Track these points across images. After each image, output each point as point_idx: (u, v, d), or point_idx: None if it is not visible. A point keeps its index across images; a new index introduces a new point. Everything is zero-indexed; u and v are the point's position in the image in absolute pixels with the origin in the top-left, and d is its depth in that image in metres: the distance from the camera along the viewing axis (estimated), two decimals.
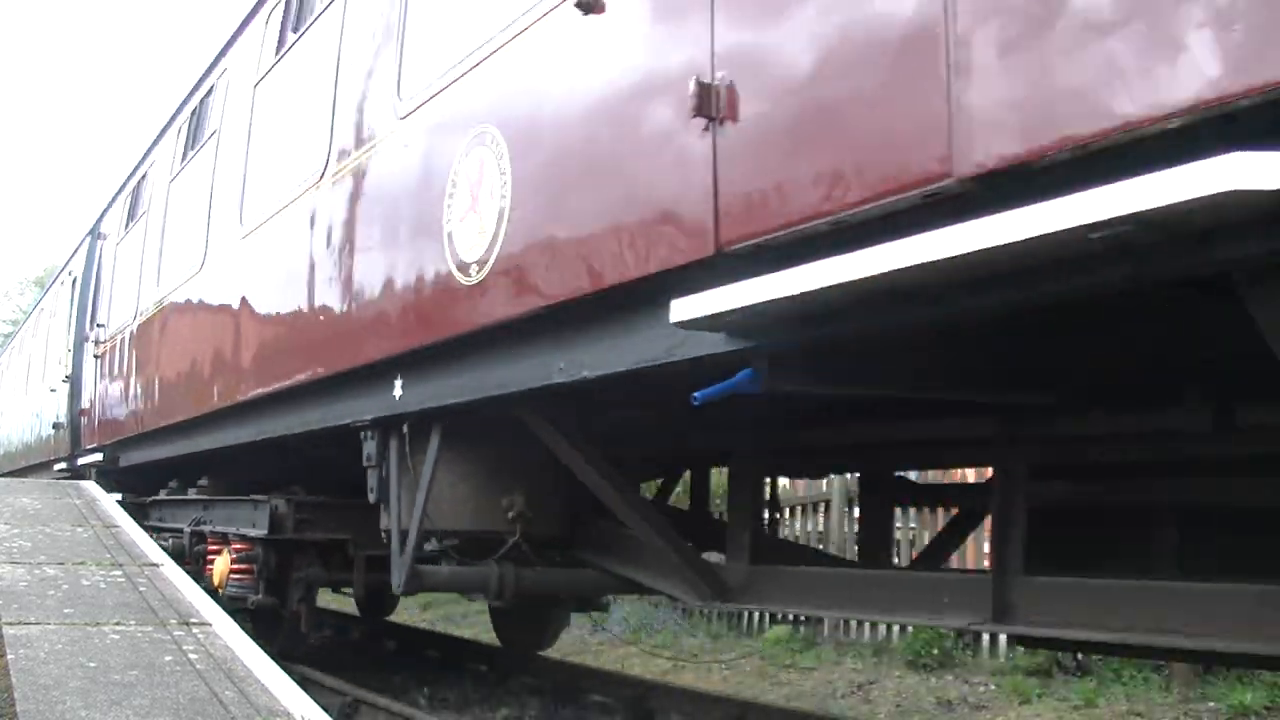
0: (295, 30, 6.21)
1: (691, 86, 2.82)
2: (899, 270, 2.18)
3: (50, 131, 74.48)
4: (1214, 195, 1.68)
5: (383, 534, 4.89)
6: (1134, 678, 7.12)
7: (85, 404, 11.01)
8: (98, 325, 10.61)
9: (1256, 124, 1.75)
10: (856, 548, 6.50)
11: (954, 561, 5.69)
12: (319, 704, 3.59)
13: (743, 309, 2.59)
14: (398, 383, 4.54)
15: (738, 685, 7.89)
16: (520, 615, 7.46)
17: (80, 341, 11.46)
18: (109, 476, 9.69)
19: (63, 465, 11.77)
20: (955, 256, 2.06)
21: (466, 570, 4.86)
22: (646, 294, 3.07)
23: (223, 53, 7.61)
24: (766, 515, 5.22)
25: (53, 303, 14.21)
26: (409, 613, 12.22)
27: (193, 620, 4.53)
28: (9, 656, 3.73)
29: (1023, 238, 1.94)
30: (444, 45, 4.28)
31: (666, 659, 8.92)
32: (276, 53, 6.45)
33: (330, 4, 5.53)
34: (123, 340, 9.37)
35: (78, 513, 7.54)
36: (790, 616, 9.49)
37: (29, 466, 14.11)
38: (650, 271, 3.03)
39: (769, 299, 2.51)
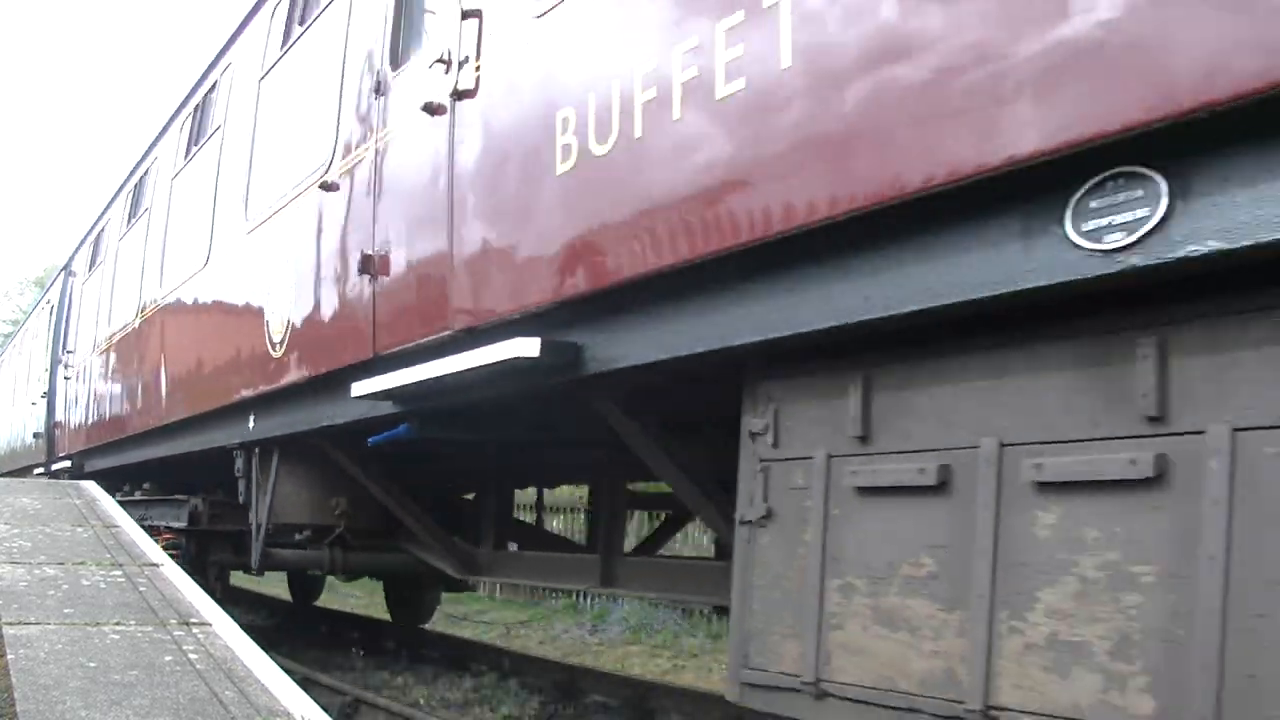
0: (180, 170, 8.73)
1: (354, 258, 4.88)
2: (430, 379, 4.08)
3: (50, 131, 74.53)
4: (512, 358, 3.55)
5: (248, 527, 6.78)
6: None
7: (58, 418, 12.94)
8: (67, 352, 12.55)
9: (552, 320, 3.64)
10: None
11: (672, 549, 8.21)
12: (319, 704, 3.58)
13: (385, 390, 4.43)
14: (251, 418, 6.41)
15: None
16: (403, 597, 9.89)
17: (54, 364, 13.35)
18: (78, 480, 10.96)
19: (40, 470, 13.56)
20: (450, 374, 3.93)
21: (307, 553, 6.89)
22: (348, 375, 4.86)
23: (145, 154, 10.00)
24: (536, 515, 7.78)
25: (35, 325, 16.15)
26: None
27: (193, 620, 4.53)
28: (9, 656, 3.73)
29: (474, 365, 3.75)
30: (267, 192, 6.25)
31: (666, 659, 8.92)
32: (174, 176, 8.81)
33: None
34: (86, 367, 11.28)
35: (78, 513, 7.54)
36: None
37: (14, 470, 15.67)
38: (338, 367, 5.09)
39: (390, 387, 4.35)
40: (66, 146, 76.21)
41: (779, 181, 2.69)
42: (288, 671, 4.01)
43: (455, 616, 11.61)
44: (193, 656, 3.93)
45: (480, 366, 3.70)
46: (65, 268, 13.80)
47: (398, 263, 4.57)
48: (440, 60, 4.19)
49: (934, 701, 2.51)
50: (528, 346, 3.51)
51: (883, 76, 2.46)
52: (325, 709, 3.60)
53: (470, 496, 7.23)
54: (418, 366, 4.14)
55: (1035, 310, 2.36)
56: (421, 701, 7.00)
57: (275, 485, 6.33)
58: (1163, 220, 2.00)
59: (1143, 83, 1.97)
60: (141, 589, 5.11)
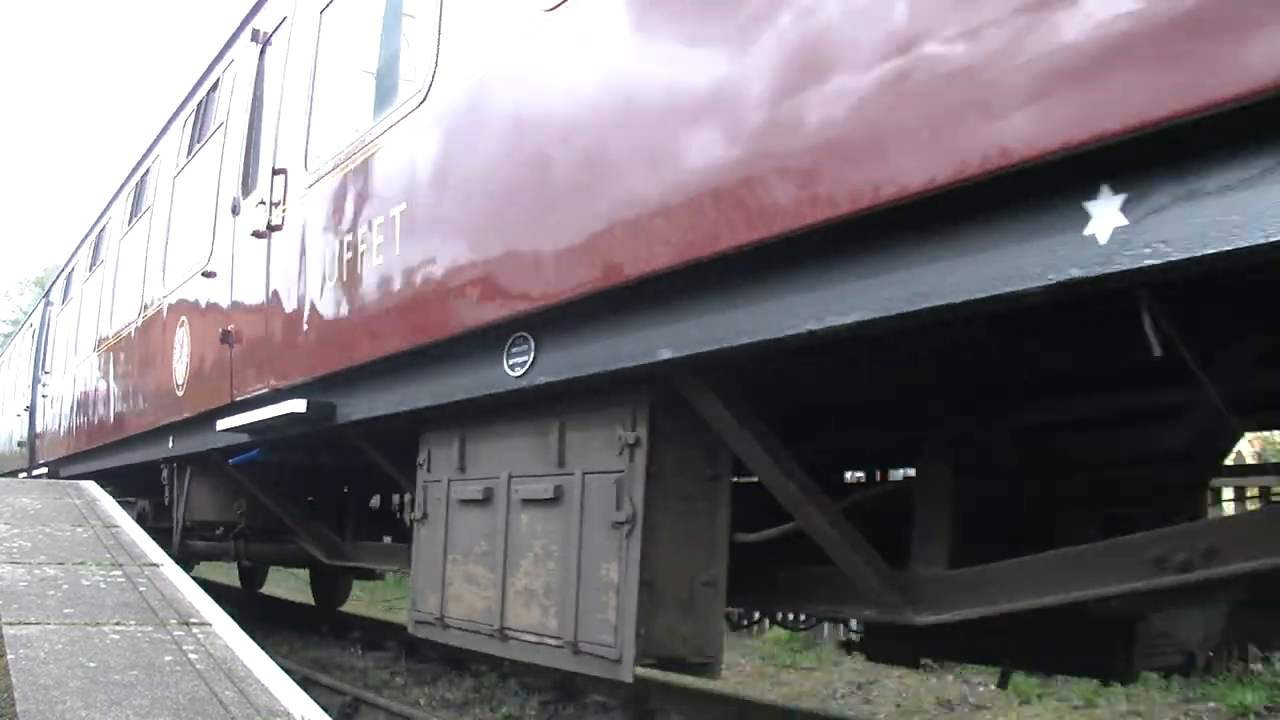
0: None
1: (220, 330, 6.57)
2: (254, 421, 5.73)
3: (50, 131, 74.53)
4: (289, 412, 5.28)
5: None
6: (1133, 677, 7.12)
7: (38, 430, 14.66)
8: (45, 372, 14.30)
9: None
10: None
11: None
12: (319, 704, 3.58)
13: (235, 426, 6.05)
14: (170, 439, 7.95)
15: (738, 685, 7.88)
16: (323, 585, 12.07)
17: (35, 382, 15.12)
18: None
19: (24, 474, 14.91)
20: (262, 419, 5.63)
21: (216, 544, 8.33)
22: (217, 414, 6.50)
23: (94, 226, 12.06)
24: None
25: (21, 344, 17.98)
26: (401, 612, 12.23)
27: (193, 620, 4.53)
28: (9, 656, 3.73)
29: (273, 415, 5.47)
30: (178, 265, 7.97)
31: None
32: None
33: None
34: (59, 386, 13.10)
35: (78, 513, 7.54)
36: (789, 617, 9.45)
37: (2, 473, 16.89)
38: (214, 406, 6.62)
39: (237, 424, 6.01)
40: (66, 146, 76.25)
41: (408, 316, 4.38)
42: (288, 671, 4.01)
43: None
44: (193, 656, 3.93)
45: (276, 415, 5.43)
46: (45, 296, 15.82)
47: (242, 337, 6.35)
48: (261, 201, 6.07)
49: (485, 625, 4.19)
50: (299, 405, 5.26)
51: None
52: (325, 709, 3.60)
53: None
54: (247, 412, 5.92)
55: (506, 400, 4.02)
56: (422, 701, 7.00)
57: (189, 491, 8.00)
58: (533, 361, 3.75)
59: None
60: (141, 589, 5.11)
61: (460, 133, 4.07)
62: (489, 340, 3.89)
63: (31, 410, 15.09)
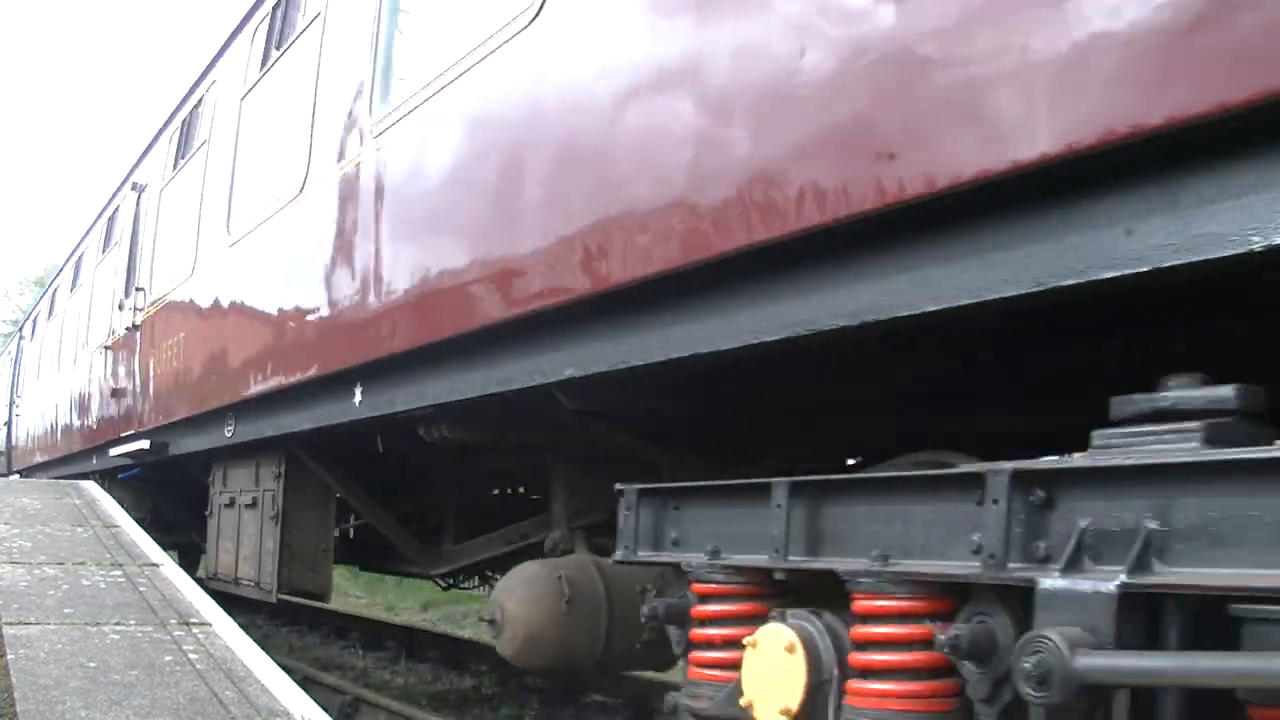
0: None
1: (111, 390, 9.20)
2: (125, 451, 8.40)
3: (51, 132, 74.58)
4: (139, 449, 8.39)
5: None
6: None
7: (14, 441, 18.17)
8: (18, 396, 17.50)
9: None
10: None
11: None
12: (319, 704, 3.58)
13: (121, 453, 8.36)
14: (94, 457, 10.23)
15: None
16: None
17: (10, 404, 18.39)
18: None
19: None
20: (127, 451, 8.46)
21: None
22: (113, 443, 8.61)
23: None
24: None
25: (1, 366, 21.09)
26: (409, 613, 12.22)
27: (193, 620, 4.53)
28: (9, 656, 3.73)
29: (130, 450, 8.56)
30: (96, 332, 10.70)
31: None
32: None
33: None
34: (28, 408, 16.40)
35: (78, 513, 7.55)
36: None
37: None
38: (107, 439, 8.97)
39: (121, 452, 8.57)
40: (66, 147, 76.25)
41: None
42: (288, 671, 4.01)
43: (455, 615, 11.63)
44: (193, 656, 3.93)
45: (133, 450, 8.27)
46: (19, 329, 19.01)
47: (120, 396, 9.12)
48: (133, 307, 8.85)
49: (228, 576, 6.78)
50: (144, 442, 8.08)
51: None
52: (325, 709, 3.59)
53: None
54: (126, 445, 8.67)
55: (232, 446, 6.65)
56: (422, 701, 7.00)
57: (118, 496, 9.54)
58: None
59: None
60: (141, 589, 5.11)
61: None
62: (219, 416, 6.66)
63: (8, 425, 18.79)
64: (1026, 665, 1.85)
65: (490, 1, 3.80)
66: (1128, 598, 1.84)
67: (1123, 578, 1.84)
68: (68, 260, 13.46)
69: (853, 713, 2.27)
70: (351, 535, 7.21)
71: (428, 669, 8.26)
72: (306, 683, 5.79)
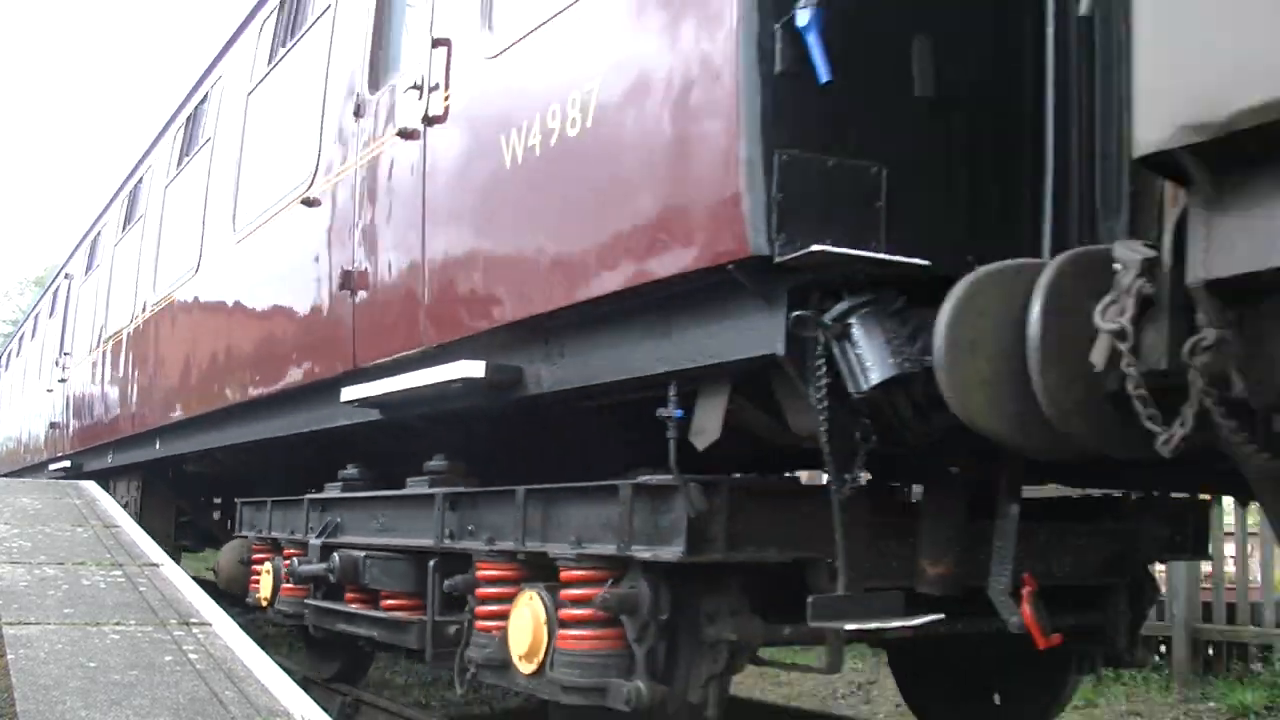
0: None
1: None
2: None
3: (50, 133, 74.64)
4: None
5: None
6: (1134, 677, 7.12)
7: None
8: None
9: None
10: None
11: None
12: (319, 704, 3.58)
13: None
14: (42, 471, 13.17)
15: (738, 685, 7.86)
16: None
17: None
18: None
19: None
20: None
21: None
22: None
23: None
24: None
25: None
26: None
27: (193, 620, 4.53)
28: (9, 656, 3.73)
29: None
30: (56, 364, 13.65)
31: None
32: None
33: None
34: (6, 419, 19.25)
35: (78, 513, 7.55)
36: None
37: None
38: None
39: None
40: (65, 148, 76.25)
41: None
42: (287, 671, 4.01)
43: None
44: (193, 656, 3.93)
45: (61, 467, 11.89)
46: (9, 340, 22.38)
47: (56, 427, 12.28)
48: (63, 356, 12.19)
49: None
50: (66, 462, 11.86)
51: None
52: (325, 709, 3.60)
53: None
54: (58, 463, 12.08)
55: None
56: (422, 701, 7.00)
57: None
58: None
59: None
60: (141, 589, 5.11)
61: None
62: (104, 449, 9.74)
63: None
64: None
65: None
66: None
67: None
68: (19, 328, 18.59)
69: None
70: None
71: (428, 669, 8.25)
72: (307, 683, 5.78)
